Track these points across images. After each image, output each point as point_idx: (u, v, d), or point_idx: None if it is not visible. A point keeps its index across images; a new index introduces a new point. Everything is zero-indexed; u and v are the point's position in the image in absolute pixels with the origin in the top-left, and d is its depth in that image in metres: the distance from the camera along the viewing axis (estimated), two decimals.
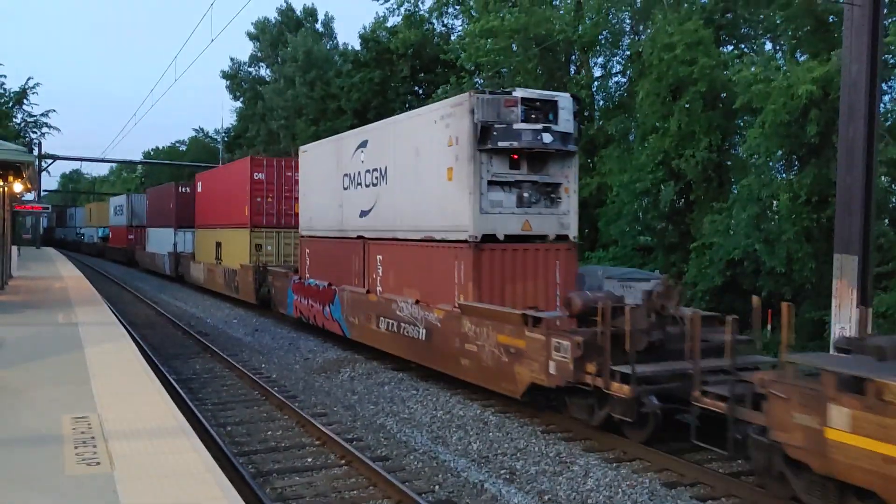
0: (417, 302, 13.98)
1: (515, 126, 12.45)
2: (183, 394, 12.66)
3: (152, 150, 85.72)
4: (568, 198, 13.37)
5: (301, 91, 45.14)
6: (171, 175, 63.07)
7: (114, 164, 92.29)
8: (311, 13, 55.46)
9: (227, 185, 28.41)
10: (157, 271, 41.28)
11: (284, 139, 46.55)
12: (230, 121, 63.02)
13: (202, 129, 74.83)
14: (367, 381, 14.53)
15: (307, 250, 19.97)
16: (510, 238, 12.89)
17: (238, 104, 59.73)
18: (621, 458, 9.75)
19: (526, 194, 12.98)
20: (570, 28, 26.21)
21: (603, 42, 27.63)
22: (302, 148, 21.00)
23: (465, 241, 12.63)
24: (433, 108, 14.19)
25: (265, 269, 23.82)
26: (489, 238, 12.67)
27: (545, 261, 13.12)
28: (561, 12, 27.43)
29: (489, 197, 12.66)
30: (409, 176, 14.57)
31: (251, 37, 57.01)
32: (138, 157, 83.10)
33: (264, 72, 57.87)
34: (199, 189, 33.38)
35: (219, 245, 29.16)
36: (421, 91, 38.88)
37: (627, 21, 27.75)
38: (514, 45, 27.50)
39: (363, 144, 16.59)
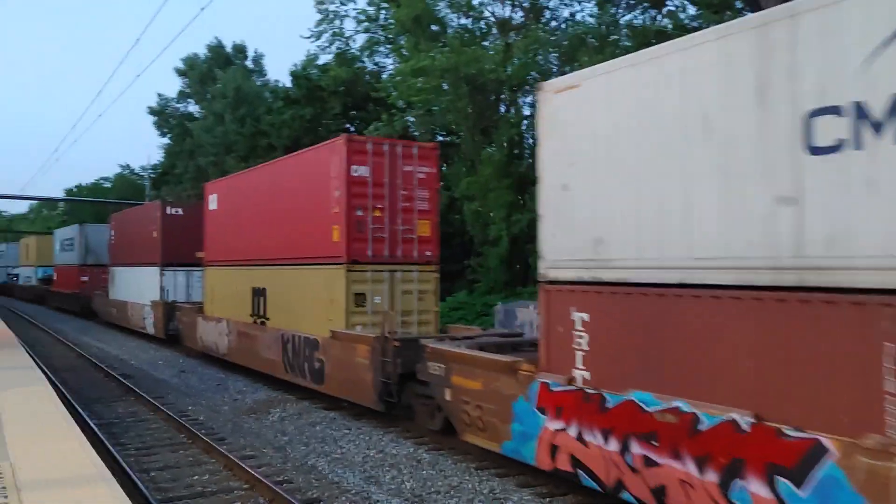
0: None
1: None
2: (104, 439, 12.18)
3: (75, 186, 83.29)
4: None
5: (231, 128, 44.71)
6: (94, 213, 61.05)
7: (34, 202, 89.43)
8: (240, 50, 55.23)
9: (284, 193, 17.22)
10: (129, 327, 30.64)
11: (213, 176, 45.82)
12: (157, 157, 62.01)
13: (128, 166, 73.22)
14: (298, 422, 14.25)
15: (593, 317, 8.67)
16: None
17: (166, 140, 58.82)
18: (553, 492, 9.77)
19: None
20: (500, 68, 26.75)
21: (532, 81, 28.27)
22: (572, 79, 9.40)
23: None
24: None
25: (414, 344, 12.50)
26: None
27: None
28: (490, 52, 27.99)
29: None
30: None
31: (179, 73, 56.40)
32: (60, 194, 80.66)
33: (193, 108, 57.20)
34: (213, 205, 21.83)
35: (260, 293, 18.24)
36: (352, 128, 38.98)
37: (554, 62, 28.49)
38: (444, 84, 27.87)
39: None
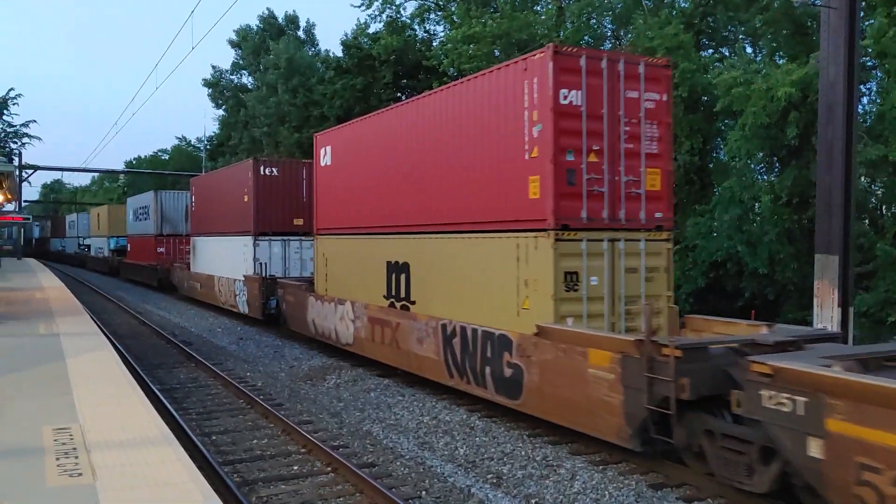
0: None
1: None
2: (167, 403, 12.56)
3: (134, 159, 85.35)
4: None
5: (283, 98, 45.10)
6: (154, 185, 62.47)
7: (95, 174, 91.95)
8: (292, 20, 55.47)
9: (444, 135, 12.77)
10: (217, 304, 26.86)
11: (268, 147, 46.44)
12: (213, 129, 62.95)
13: (184, 138, 74.62)
14: (353, 388, 14.48)
15: None
16: None
17: (220, 112, 59.68)
18: (607, 460, 9.75)
19: None
20: (553, 33, 26.32)
21: (585, 46, 27.78)
22: None
23: None
24: None
25: (702, 355, 8.50)
26: None
27: None
28: (542, 17, 27.55)
29: None
30: None
31: (233, 44, 56.96)
32: (120, 166, 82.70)
33: (246, 79, 57.83)
34: (327, 160, 17.66)
35: (400, 270, 14.23)
36: (404, 97, 38.92)
37: (608, 26, 27.91)
38: (496, 51, 27.57)
39: None
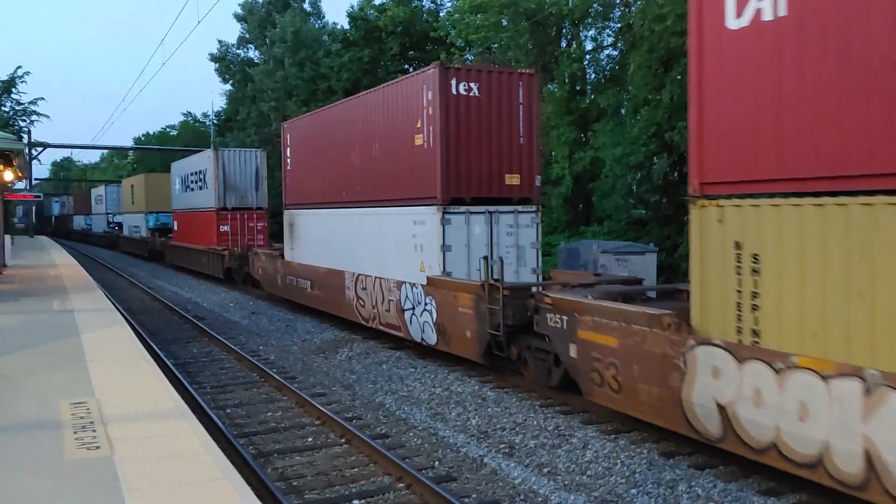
0: None
1: None
2: (181, 377, 12.69)
3: (143, 135, 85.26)
4: None
5: (291, 72, 44.88)
6: (162, 161, 62.29)
7: (105, 151, 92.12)
8: None
9: None
10: (353, 319, 16.75)
11: (275, 121, 46.32)
12: (220, 104, 62.74)
13: (191, 114, 74.43)
14: (365, 361, 14.57)
15: None
16: None
17: (228, 87, 59.44)
18: (619, 429, 9.80)
19: None
20: (561, 1, 26.04)
21: (594, 14, 27.46)
22: None
23: None
24: None
25: None
26: None
27: None
28: None
29: None
30: None
31: (238, 18, 56.54)
32: (129, 143, 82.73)
33: (253, 53, 57.50)
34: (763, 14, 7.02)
35: None
36: (411, 69, 38.66)
37: None
38: (504, 20, 27.32)
39: None
